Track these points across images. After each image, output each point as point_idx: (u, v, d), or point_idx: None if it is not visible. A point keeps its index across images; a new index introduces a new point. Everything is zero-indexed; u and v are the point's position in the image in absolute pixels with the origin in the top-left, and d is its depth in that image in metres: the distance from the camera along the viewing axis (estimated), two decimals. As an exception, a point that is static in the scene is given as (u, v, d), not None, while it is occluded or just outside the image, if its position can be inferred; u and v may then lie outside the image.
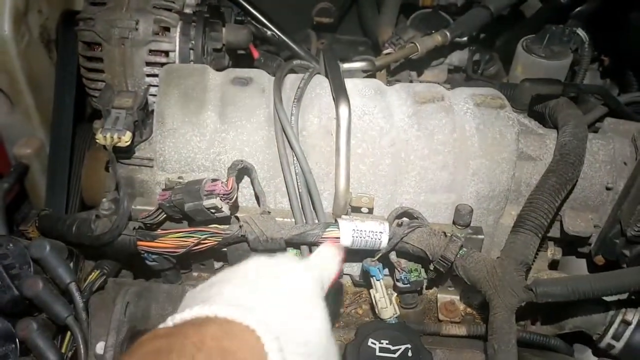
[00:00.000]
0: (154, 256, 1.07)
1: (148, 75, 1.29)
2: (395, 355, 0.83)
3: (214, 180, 1.02)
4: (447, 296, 1.17)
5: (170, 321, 0.59)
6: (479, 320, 1.15)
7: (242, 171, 1.07)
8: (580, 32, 1.38)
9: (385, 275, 1.10)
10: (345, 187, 1.08)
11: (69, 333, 0.99)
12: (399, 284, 1.09)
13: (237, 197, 1.04)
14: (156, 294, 1.02)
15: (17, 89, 1.38)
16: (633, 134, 1.17)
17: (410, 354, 0.83)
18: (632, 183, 1.08)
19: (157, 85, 1.25)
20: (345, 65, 1.19)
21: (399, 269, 1.08)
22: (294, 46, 1.55)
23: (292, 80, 1.18)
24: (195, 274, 1.18)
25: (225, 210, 1.01)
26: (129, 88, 1.29)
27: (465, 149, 1.11)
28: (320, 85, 1.16)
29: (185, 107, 1.11)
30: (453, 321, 1.14)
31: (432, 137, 1.11)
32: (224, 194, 1.01)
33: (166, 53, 1.29)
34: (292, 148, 1.08)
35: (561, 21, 1.49)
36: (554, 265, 1.29)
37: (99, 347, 0.91)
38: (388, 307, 1.06)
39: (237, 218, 1.05)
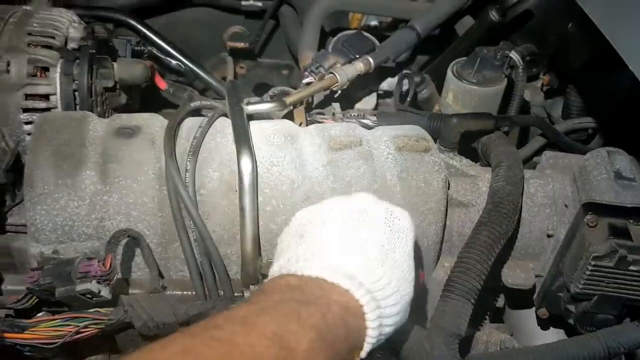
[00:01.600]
0: (27, 348, 0.90)
1: (26, 123, 1.11)
2: None
3: (89, 258, 0.86)
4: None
5: (294, 268, 0.70)
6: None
7: (129, 242, 0.91)
8: (514, 54, 1.26)
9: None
10: (254, 252, 0.93)
11: None
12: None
13: (118, 276, 0.88)
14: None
15: None
16: (574, 171, 1.06)
17: None
18: (573, 234, 0.97)
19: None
20: (250, 108, 1.04)
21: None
22: (204, 75, 1.39)
23: (189, 127, 1.02)
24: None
25: (105, 294, 0.86)
26: (5, 139, 1.11)
27: (387, 200, 0.98)
28: (222, 132, 1.01)
29: (58, 167, 0.94)
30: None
31: (350, 189, 0.98)
32: (101, 276, 0.85)
33: (46, 97, 1.11)
34: (187, 210, 0.93)
35: (495, 40, 1.38)
36: (497, 314, 1.18)
37: None
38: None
39: (123, 299, 0.89)
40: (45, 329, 0.87)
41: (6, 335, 0.87)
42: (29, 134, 1.11)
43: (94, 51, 1.14)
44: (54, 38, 1.14)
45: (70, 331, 0.87)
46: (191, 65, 1.38)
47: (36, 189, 0.94)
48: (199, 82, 1.44)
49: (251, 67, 1.64)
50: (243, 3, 1.62)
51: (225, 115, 1.06)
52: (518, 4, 1.40)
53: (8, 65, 1.08)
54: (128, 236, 0.91)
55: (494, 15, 1.36)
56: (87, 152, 0.96)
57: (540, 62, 1.46)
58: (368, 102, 1.48)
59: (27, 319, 0.89)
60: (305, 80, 1.33)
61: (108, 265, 0.85)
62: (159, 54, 1.37)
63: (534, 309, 1.11)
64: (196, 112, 1.09)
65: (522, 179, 1.03)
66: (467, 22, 1.51)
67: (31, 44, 1.12)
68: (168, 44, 1.38)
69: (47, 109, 1.12)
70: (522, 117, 1.32)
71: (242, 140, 0.95)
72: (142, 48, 1.34)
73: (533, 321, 1.15)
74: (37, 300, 0.90)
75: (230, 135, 1.00)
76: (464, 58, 1.32)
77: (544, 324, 1.13)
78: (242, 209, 0.92)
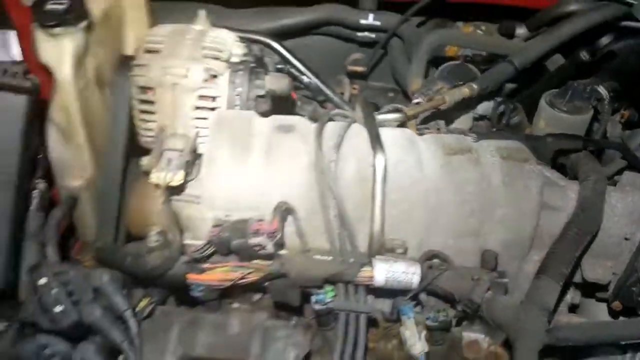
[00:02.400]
0: (200, 288, 1.16)
1: (196, 119, 1.38)
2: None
3: (259, 220, 1.11)
4: (472, 335, 1.24)
5: None
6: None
7: (285, 212, 1.15)
8: (601, 89, 1.47)
9: (416, 312, 1.17)
10: (380, 230, 1.16)
11: (122, 357, 1.08)
12: (428, 322, 1.17)
13: (281, 236, 1.12)
14: (203, 323, 1.11)
15: (73, 126, 1.48)
16: (650, 189, 1.25)
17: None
18: (649, 237, 1.15)
19: (204, 128, 1.36)
20: (380, 117, 1.28)
21: (428, 308, 1.16)
22: (328, 92, 1.65)
23: (330, 128, 1.27)
24: (235, 305, 1.26)
25: (269, 248, 1.10)
26: (177, 130, 1.39)
27: (492, 199, 1.20)
28: (357, 135, 1.25)
29: (233, 151, 1.21)
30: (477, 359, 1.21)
31: (462, 188, 1.20)
32: (268, 233, 1.10)
33: (214, 98, 1.39)
34: (331, 191, 1.17)
35: (582, 76, 1.58)
36: (573, 309, 1.35)
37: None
38: (417, 344, 1.14)
39: (280, 256, 1.13)
40: (219, 273, 1.13)
41: (189, 275, 1.13)
42: (196, 127, 1.38)
43: (253, 65, 1.42)
44: (221, 52, 1.42)
45: (238, 276, 1.12)
46: (319, 83, 1.65)
47: (216, 166, 1.21)
48: (321, 97, 1.70)
49: (362, 88, 1.90)
50: (359, 35, 1.88)
51: (354, 122, 1.31)
52: (605, 46, 1.59)
53: (187, 71, 1.36)
54: (285, 208, 1.16)
55: (584, 55, 1.56)
56: (255, 141, 1.23)
57: (622, 98, 1.65)
58: (464, 122, 1.69)
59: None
60: (415, 101, 1.57)
61: (275, 226, 1.10)
62: (294, 72, 1.64)
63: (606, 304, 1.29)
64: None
65: (605, 191, 1.23)
66: (557, 59, 1.72)
67: (206, 56, 1.40)
68: (302, 64, 1.65)
69: (214, 109, 1.39)
70: (606, 141, 1.52)
71: (376, 141, 1.19)
72: (282, 66, 1.62)
73: (605, 314, 1.32)
74: (212, 250, 1.16)
75: (363, 137, 1.24)
76: (556, 90, 1.54)
77: (615, 316, 1.30)
78: (374, 195, 1.16)
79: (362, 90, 1.88)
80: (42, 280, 1.07)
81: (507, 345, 1.14)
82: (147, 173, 1.45)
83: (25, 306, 1.10)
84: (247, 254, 1.11)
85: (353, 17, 1.81)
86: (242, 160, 1.21)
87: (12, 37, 1.48)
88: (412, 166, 1.21)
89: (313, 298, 1.15)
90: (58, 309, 1.05)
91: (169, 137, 1.23)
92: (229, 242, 1.11)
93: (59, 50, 1.39)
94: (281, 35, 1.73)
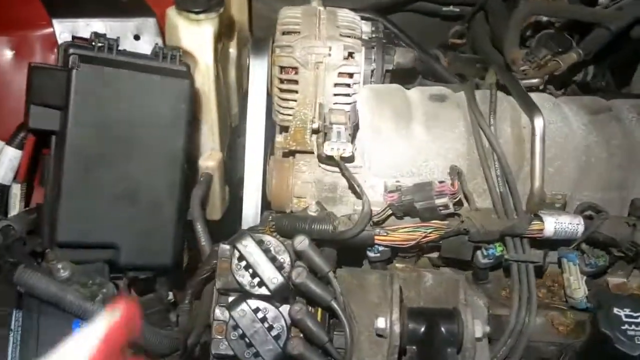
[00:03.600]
0: (381, 249, 1.25)
1: (335, 95, 1.46)
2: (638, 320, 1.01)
3: (440, 182, 1.21)
4: (616, 279, 1.36)
5: None
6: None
7: (459, 174, 1.25)
8: None
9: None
10: (541, 186, 1.26)
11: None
12: (587, 269, 1.28)
13: (461, 195, 1.22)
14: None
15: (209, 109, 1.55)
16: None
17: (649, 319, 1.02)
18: None
19: (344, 103, 1.44)
20: (524, 82, 1.39)
21: (589, 255, 1.27)
22: (437, 66, 1.75)
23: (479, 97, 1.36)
24: (399, 265, 1.35)
25: (452, 207, 1.20)
26: (316, 106, 1.47)
27: (636, 152, 1.30)
28: (505, 99, 1.35)
29: (397, 122, 1.30)
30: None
31: (608, 143, 1.31)
32: (450, 194, 1.19)
33: (350, 75, 1.47)
34: (495, 152, 1.27)
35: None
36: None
37: (381, 322, 1.09)
38: (580, 288, 1.25)
39: (458, 214, 1.23)
40: (403, 234, 1.22)
41: (377, 237, 1.22)
42: (335, 103, 1.46)
43: (384, 41, 1.50)
44: (354, 30, 1.49)
45: (420, 236, 1.22)
46: (426, 57, 1.74)
47: (382, 136, 1.29)
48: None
49: (451, 59, 1.99)
50: (444, 9, 1.97)
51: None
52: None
53: (330, 50, 1.44)
54: (458, 171, 1.25)
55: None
56: (413, 112, 1.32)
57: None
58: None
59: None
60: (522, 68, 1.67)
61: (456, 187, 1.19)
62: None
63: None
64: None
65: None
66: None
67: (342, 34, 1.47)
68: (409, 39, 1.74)
69: (350, 85, 1.47)
70: None
71: (531, 103, 1.29)
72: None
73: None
74: (389, 213, 1.25)
75: (511, 102, 1.34)
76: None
77: None
78: (533, 153, 1.26)
79: (453, 62, 1.97)
80: (246, 246, 1.14)
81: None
82: (286, 150, 1.54)
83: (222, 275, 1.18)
84: (429, 215, 1.21)
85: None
86: (406, 129, 1.29)
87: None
88: (561, 126, 1.31)
89: (483, 252, 1.26)
90: (266, 274, 1.13)
91: (332, 113, 1.31)
92: (411, 205, 1.20)
93: (202, 36, 1.46)
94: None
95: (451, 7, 1.96)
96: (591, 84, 1.85)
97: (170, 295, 1.46)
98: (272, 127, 1.57)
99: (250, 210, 1.52)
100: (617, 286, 1.34)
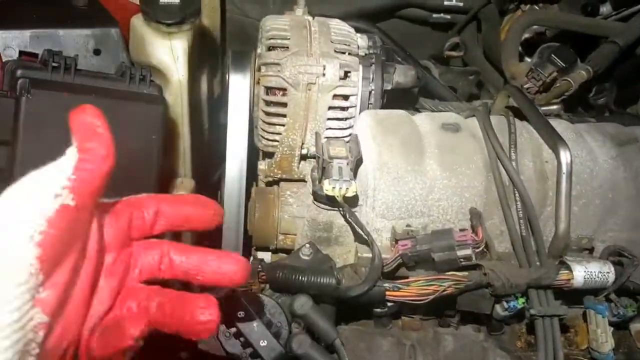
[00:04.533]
0: (390, 304, 1.09)
1: (329, 119, 1.29)
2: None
3: (462, 229, 1.05)
4: (638, 325, 1.24)
5: None
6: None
7: (481, 219, 1.10)
8: None
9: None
10: (566, 229, 1.12)
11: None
12: (614, 319, 1.15)
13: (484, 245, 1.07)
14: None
15: (180, 134, 1.36)
16: None
17: None
18: None
19: (337, 129, 1.28)
20: (543, 108, 1.24)
21: (618, 305, 1.14)
22: (435, 83, 1.59)
23: (494, 123, 1.21)
24: (405, 317, 1.20)
25: (475, 259, 1.04)
26: (307, 132, 1.29)
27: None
28: (525, 128, 1.20)
29: (407, 156, 1.13)
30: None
31: (637, 178, 1.18)
32: (474, 245, 1.04)
33: (346, 97, 1.29)
34: (518, 190, 1.12)
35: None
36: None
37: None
38: (607, 342, 1.13)
39: (480, 265, 1.07)
40: (416, 288, 1.06)
41: (389, 293, 1.05)
42: (328, 128, 1.29)
43: (384, 58, 1.33)
44: (350, 46, 1.32)
45: (436, 290, 1.06)
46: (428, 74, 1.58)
47: (391, 173, 1.12)
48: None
49: (443, 72, 1.84)
50: (434, 16, 1.81)
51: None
52: None
53: (324, 69, 1.26)
54: (479, 214, 1.10)
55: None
56: (425, 144, 1.15)
57: None
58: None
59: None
60: (525, 85, 1.53)
61: (480, 236, 1.04)
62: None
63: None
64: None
65: None
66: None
67: (337, 50, 1.29)
68: (406, 52, 1.57)
69: (345, 108, 1.30)
70: None
71: (555, 135, 1.14)
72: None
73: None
74: (398, 263, 1.09)
75: (532, 132, 1.20)
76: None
77: None
78: (559, 192, 1.12)
79: (444, 74, 1.82)
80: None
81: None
82: (270, 179, 1.36)
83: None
84: (448, 266, 1.05)
85: (435, -2, 1.75)
86: (417, 166, 1.13)
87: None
88: (586, 160, 1.17)
89: (504, 305, 1.12)
90: (262, 343, 0.96)
91: (331, 144, 1.14)
92: (427, 256, 1.05)
93: (174, 51, 1.26)
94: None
95: (442, 15, 1.80)
96: (591, 101, 1.74)
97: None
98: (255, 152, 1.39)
99: (230, 244, 1.34)
100: (638, 334, 1.22)
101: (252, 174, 1.39)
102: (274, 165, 1.33)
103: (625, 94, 1.66)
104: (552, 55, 1.59)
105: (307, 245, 1.15)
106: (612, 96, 1.66)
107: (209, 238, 1.46)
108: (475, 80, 1.85)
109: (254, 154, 1.40)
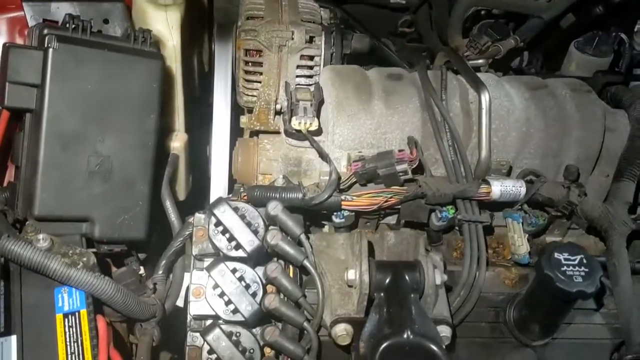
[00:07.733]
0: (346, 214, 1.36)
1: (298, 76, 1.56)
2: (575, 262, 1.16)
3: (400, 150, 1.32)
4: (553, 238, 1.52)
5: None
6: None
7: (415, 144, 1.37)
8: (624, 36, 1.78)
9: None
10: (487, 155, 1.40)
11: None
12: (529, 228, 1.43)
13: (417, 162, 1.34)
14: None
15: (175, 92, 1.62)
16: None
17: (584, 260, 1.17)
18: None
19: (305, 84, 1.55)
20: (471, 62, 1.53)
21: (530, 215, 1.41)
22: (390, 51, 1.88)
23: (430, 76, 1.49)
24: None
25: (410, 173, 1.32)
26: (279, 88, 1.56)
27: (569, 123, 1.46)
28: (454, 78, 1.49)
29: (359, 97, 1.41)
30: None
31: (546, 115, 1.46)
32: (409, 161, 1.31)
33: (311, 57, 1.57)
34: (447, 125, 1.40)
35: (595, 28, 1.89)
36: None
37: (351, 274, 1.19)
38: (523, 245, 1.40)
39: (416, 180, 1.34)
40: (367, 198, 1.33)
41: (344, 202, 1.32)
42: (297, 84, 1.56)
43: (342, 26, 1.61)
44: (315, 16, 1.60)
45: (382, 200, 1.33)
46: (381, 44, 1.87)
47: (345, 111, 1.40)
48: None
49: (399, 47, 2.13)
50: (392, 0, 2.11)
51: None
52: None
53: (293, 34, 1.54)
54: (415, 141, 1.37)
55: (599, 9, 1.87)
56: (373, 89, 1.43)
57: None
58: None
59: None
60: (466, 53, 1.82)
61: (414, 154, 1.31)
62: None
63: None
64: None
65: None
66: (569, 16, 2.02)
67: (303, 19, 1.57)
68: (362, 26, 1.86)
69: (311, 67, 1.58)
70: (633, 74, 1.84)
71: (479, 81, 1.43)
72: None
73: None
74: (352, 181, 1.36)
75: (459, 80, 1.48)
76: (581, 38, 1.84)
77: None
78: (480, 125, 1.40)
79: (401, 50, 2.11)
80: (224, 212, 1.22)
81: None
82: (250, 130, 1.62)
83: (198, 242, 1.26)
84: (390, 180, 1.32)
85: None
86: (367, 104, 1.41)
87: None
88: (503, 100, 1.45)
89: (437, 215, 1.38)
90: (243, 237, 1.22)
91: (298, 90, 1.41)
92: (373, 172, 1.32)
93: (169, 22, 1.53)
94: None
95: (398, 0, 2.10)
96: (525, 70, 2.03)
97: (142, 270, 1.52)
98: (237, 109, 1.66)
99: (219, 188, 1.60)
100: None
101: (235, 129, 1.65)
102: (253, 119, 1.60)
103: (550, 62, 1.95)
104: (489, 29, 1.88)
105: (281, 177, 1.42)
106: (539, 64, 1.96)
107: (196, 187, 1.72)
108: (428, 55, 2.15)
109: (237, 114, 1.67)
